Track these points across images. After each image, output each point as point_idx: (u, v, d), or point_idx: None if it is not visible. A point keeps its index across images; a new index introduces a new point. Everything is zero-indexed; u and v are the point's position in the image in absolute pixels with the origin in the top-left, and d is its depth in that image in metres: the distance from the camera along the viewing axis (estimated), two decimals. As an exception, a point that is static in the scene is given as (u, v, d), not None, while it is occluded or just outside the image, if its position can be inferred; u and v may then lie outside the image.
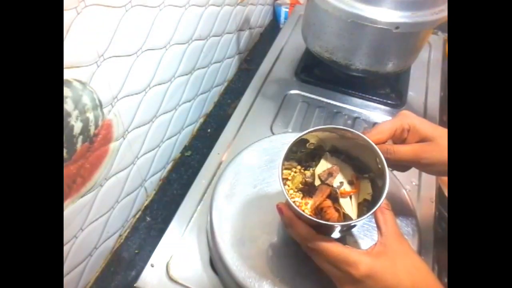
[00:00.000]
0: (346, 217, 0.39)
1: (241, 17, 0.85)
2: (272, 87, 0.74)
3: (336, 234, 0.41)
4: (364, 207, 0.41)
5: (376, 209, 0.37)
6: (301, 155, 0.45)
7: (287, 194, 0.37)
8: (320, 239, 0.35)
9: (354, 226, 0.40)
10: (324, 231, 0.37)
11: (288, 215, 0.38)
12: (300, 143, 0.42)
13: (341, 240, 0.38)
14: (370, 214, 0.35)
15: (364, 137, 0.39)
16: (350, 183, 0.42)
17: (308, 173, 0.45)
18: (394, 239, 0.35)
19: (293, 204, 0.36)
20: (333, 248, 0.34)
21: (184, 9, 0.58)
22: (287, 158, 0.41)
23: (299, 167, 0.45)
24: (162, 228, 0.54)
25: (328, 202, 0.41)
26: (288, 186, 0.44)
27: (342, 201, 0.41)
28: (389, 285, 0.33)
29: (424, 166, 0.41)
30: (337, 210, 0.40)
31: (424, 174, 0.60)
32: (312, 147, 0.45)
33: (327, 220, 0.38)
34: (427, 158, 0.40)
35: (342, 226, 0.38)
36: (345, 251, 0.34)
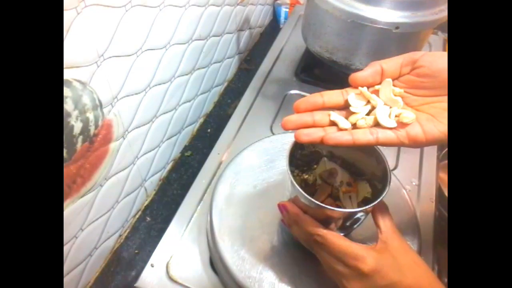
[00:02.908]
0: None
1: (241, 17, 0.85)
2: (272, 87, 0.74)
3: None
4: (364, 204, 0.41)
5: (375, 208, 0.37)
6: (299, 160, 0.45)
7: (298, 185, 0.36)
8: (329, 233, 0.35)
9: (359, 221, 0.40)
10: (330, 227, 0.37)
11: (294, 211, 0.38)
12: (298, 146, 0.42)
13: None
14: (375, 204, 0.35)
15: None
16: (349, 184, 0.43)
17: (306, 176, 0.45)
18: (394, 237, 0.36)
19: (305, 194, 0.36)
20: (342, 242, 0.34)
21: (184, 9, 0.58)
22: (291, 157, 0.40)
23: (297, 171, 0.45)
24: (162, 228, 0.54)
25: (330, 200, 0.41)
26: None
27: (343, 200, 0.41)
28: (394, 280, 0.33)
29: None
30: (339, 208, 0.40)
31: (424, 174, 0.60)
32: (312, 149, 0.45)
33: (331, 217, 0.38)
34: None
35: (352, 213, 0.38)
36: (353, 245, 0.34)
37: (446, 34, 0.90)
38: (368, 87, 0.35)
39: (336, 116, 0.34)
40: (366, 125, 0.34)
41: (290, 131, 0.36)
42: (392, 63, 0.35)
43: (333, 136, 0.33)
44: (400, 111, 0.33)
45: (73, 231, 0.48)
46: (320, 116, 0.35)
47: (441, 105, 0.34)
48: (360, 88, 0.35)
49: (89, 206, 0.50)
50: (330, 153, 0.45)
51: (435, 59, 0.33)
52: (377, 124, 0.34)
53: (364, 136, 0.33)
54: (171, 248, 0.50)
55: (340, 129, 0.34)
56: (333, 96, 0.36)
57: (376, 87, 0.35)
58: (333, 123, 0.35)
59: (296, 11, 0.94)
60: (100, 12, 0.41)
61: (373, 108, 0.34)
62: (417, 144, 0.33)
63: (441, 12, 0.57)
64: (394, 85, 0.35)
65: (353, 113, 0.34)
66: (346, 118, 0.35)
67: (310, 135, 0.34)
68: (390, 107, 0.34)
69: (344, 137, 0.33)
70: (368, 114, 0.34)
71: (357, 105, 0.35)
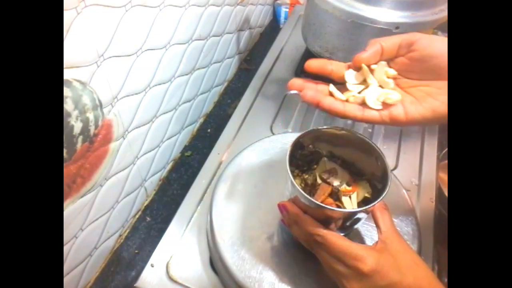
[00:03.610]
0: None
1: (241, 17, 0.85)
2: (272, 87, 0.74)
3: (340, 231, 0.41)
4: (364, 204, 0.41)
5: (375, 208, 0.37)
6: (299, 160, 0.45)
7: (298, 186, 0.36)
8: (329, 233, 0.35)
9: (359, 221, 0.40)
10: (330, 227, 0.37)
11: (294, 211, 0.38)
12: (298, 146, 0.42)
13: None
14: (375, 204, 0.35)
15: (362, 136, 0.40)
16: (349, 184, 0.43)
17: (306, 176, 0.45)
18: (394, 237, 0.36)
19: (305, 194, 0.36)
20: (342, 242, 0.35)
21: (184, 9, 0.59)
22: (291, 157, 0.40)
23: (297, 171, 0.45)
24: (162, 228, 0.54)
25: (330, 200, 0.41)
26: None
27: (343, 200, 0.41)
28: (394, 280, 0.33)
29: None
30: (339, 208, 0.40)
31: (424, 174, 0.60)
32: (312, 149, 0.45)
33: (331, 217, 0.38)
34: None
35: (352, 213, 0.38)
36: (353, 245, 0.34)
37: (446, 34, 0.90)
38: (368, 66, 0.38)
39: (333, 88, 0.38)
40: (355, 102, 0.37)
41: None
42: (390, 43, 0.37)
43: (329, 102, 0.37)
44: (388, 91, 0.36)
45: (73, 231, 0.48)
46: (322, 87, 0.39)
47: (426, 89, 0.36)
48: (363, 64, 0.37)
49: (89, 206, 0.50)
50: (330, 153, 0.45)
51: (430, 43, 0.35)
52: (364, 103, 0.37)
53: (353, 110, 0.37)
54: (171, 248, 0.50)
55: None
56: (339, 67, 0.39)
57: (372, 66, 0.38)
58: (331, 94, 0.39)
59: (296, 11, 0.94)
60: (100, 12, 0.41)
61: (366, 86, 0.38)
62: (397, 123, 0.36)
63: (441, 12, 0.57)
64: (390, 67, 0.37)
65: (348, 90, 0.38)
66: (342, 93, 0.38)
67: (313, 97, 0.38)
68: (382, 87, 0.37)
69: (338, 106, 0.37)
70: (360, 92, 0.38)
71: (352, 82, 0.38)
